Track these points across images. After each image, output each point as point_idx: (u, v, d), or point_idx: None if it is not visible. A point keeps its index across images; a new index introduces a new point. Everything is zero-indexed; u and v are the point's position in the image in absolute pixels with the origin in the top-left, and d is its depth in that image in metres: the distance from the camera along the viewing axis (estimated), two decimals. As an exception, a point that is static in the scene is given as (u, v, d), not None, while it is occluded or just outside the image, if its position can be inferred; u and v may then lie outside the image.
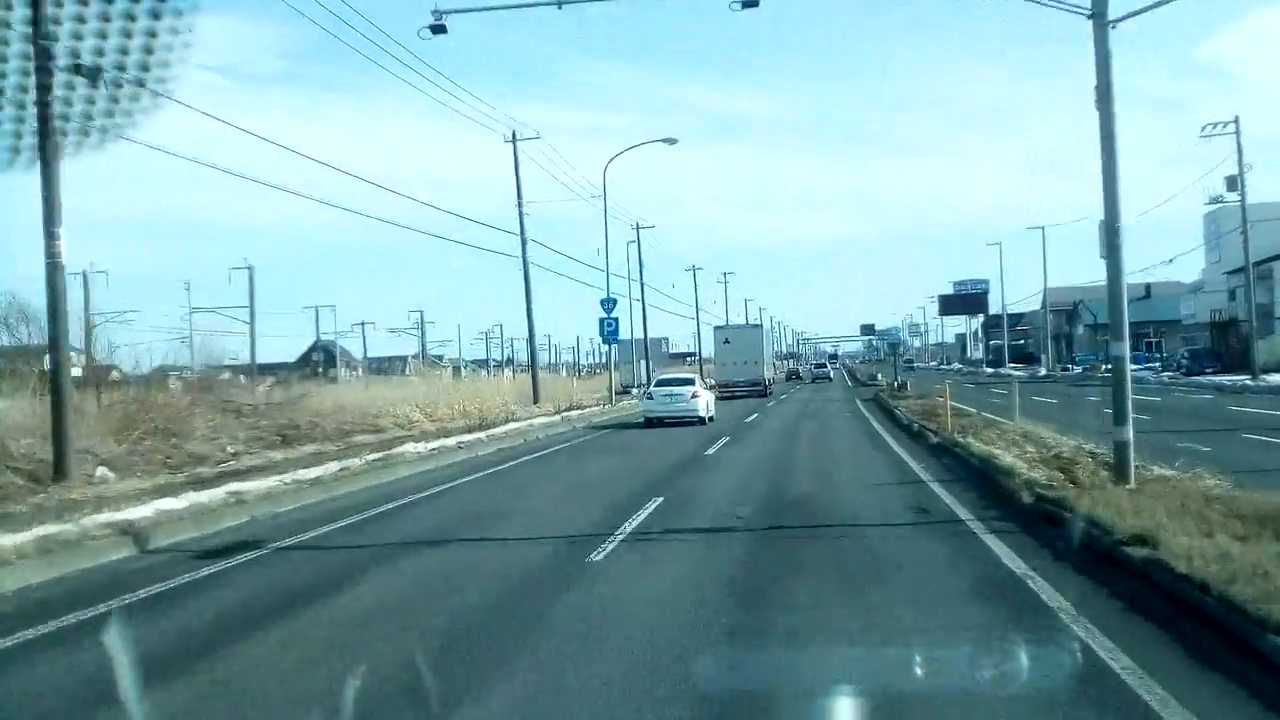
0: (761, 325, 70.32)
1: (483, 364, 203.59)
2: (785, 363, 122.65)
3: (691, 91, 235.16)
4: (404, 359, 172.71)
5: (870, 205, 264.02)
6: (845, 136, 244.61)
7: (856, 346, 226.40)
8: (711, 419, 29.20)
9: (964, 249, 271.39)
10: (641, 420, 30.10)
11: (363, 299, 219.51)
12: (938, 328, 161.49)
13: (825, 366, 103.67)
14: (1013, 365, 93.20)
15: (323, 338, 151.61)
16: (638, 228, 62.88)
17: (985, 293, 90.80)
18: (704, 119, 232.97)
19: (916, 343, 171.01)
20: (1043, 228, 76.25)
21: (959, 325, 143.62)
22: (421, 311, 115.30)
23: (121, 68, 5.23)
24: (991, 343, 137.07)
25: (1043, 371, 68.07)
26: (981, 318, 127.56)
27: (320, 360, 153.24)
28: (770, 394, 53.93)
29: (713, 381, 51.70)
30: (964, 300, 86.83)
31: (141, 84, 5.29)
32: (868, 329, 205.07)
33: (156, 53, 5.11)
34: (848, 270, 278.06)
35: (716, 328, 64.48)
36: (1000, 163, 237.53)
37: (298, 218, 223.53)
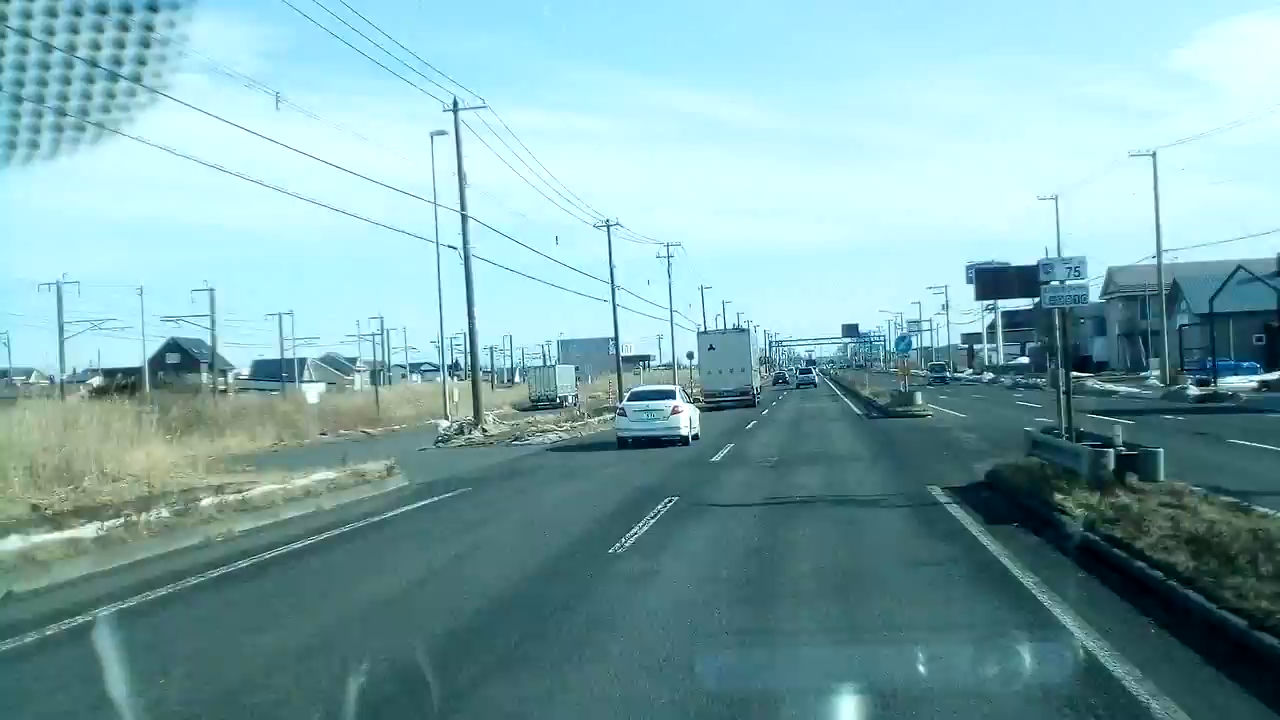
0: (747, 330, 62.62)
1: (436, 370, 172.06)
2: (761, 368, 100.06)
3: (668, 95, 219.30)
4: (301, 362, 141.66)
5: (847, 211, 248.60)
6: (822, 142, 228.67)
7: (830, 351, 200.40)
8: (695, 437, 25.28)
9: (944, 255, 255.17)
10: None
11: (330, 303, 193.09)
12: (924, 327, 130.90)
13: (810, 372, 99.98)
14: (1077, 374, 62.80)
15: (178, 336, 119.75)
16: (454, 109, 31.83)
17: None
18: (680, 123, 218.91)
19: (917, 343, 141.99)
20: (1154, 153, 45.80)
21: (969, 323, 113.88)
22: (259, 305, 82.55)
23: (119, 61, 4.42)
24: (1009, 343, 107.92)
25: (1192, 389, 37.28)
26: (995, 312, 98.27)
27: (179, 363, 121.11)
28: (757, 403, 48.18)
29: (698, 391, 48.89)
30: (1017, 278, 57.65)
31: (138, 79, 4.49)
32: (850, 329, 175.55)
33: (153, 46, 4.36)
34: (822, 274, 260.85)
35: (700, 333, 59.94)
36: (979, 170, 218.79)
37: (267, 219, 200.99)
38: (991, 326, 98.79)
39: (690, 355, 74.65)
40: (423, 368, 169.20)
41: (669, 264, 76.81)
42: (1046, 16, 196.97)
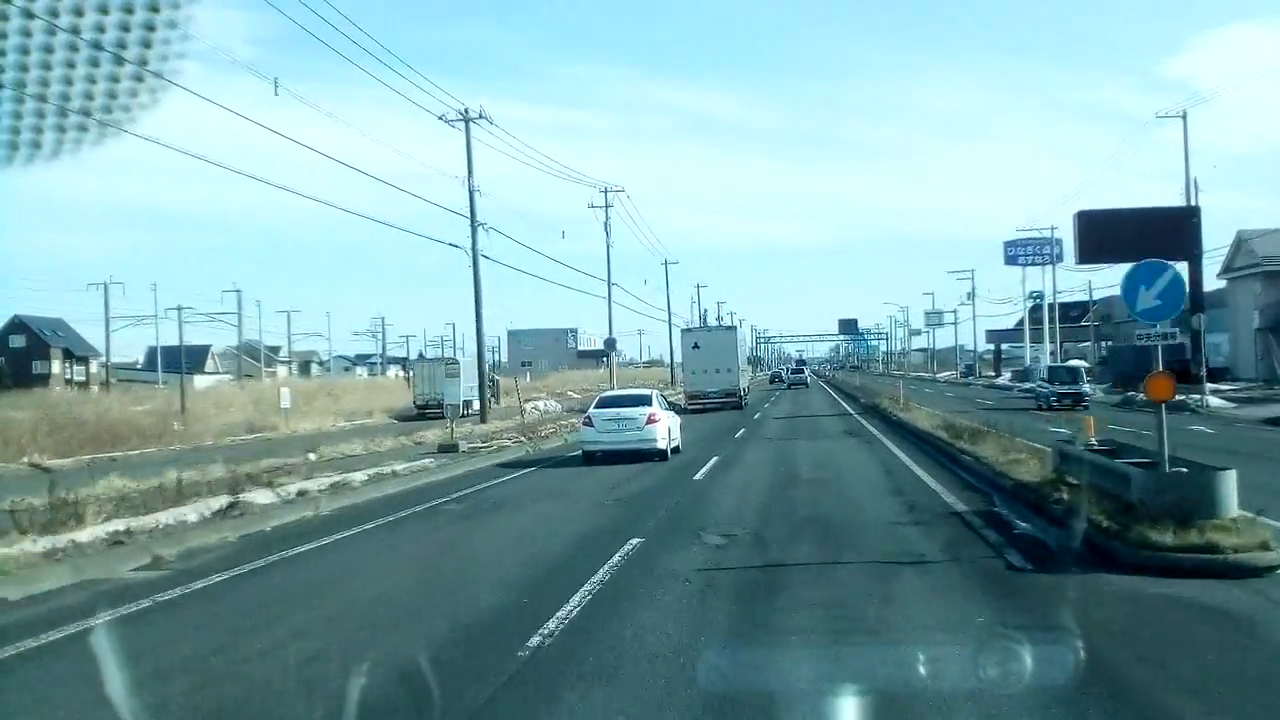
0: (735, 328, 55.96)
1: (361, 362, 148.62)
2: (749, 367, 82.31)
3: (660, 91, 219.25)
4: (204, 350, 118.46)
5: (838, 210, 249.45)
6: (814, 141, 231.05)
7: (821, 350, 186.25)
8: (675, 450, 21.47)
9: (935, 255, 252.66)
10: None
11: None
12: (948, 320, 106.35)
13: (801, 372, 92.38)
14: (1214, 389, 39.29)
15: (20, 314, 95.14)
16: None
17: (1194, 211, 36.40)
18: (672, 118, 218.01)
19: (921, 342, 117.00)
20: None
21: (998, 316, 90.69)
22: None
23: (120, 61, 4.35)
24: (1063, 344, 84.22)
25: None
26: (1042, 300, 74.87)
27: (24, 347, 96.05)
28: (746, 405, 43.59)
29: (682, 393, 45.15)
30: (1156, 228, 33.98)
31: (140, 79, 4.42)
32: (848, 325, 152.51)
33: (154, 46, 4.27)
34: (812, 272, 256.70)
35: (684, 331, 53.56)
36: (968, 171, 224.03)
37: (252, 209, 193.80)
38: (1035, 319, 74.79)
39: (611, 343, 51.36)
40: (371, 360, 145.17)
41: (606, 214, 52.94)
42: (1040, 21, 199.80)
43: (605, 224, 52.62)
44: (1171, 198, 40.84)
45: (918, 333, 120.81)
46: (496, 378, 77.99)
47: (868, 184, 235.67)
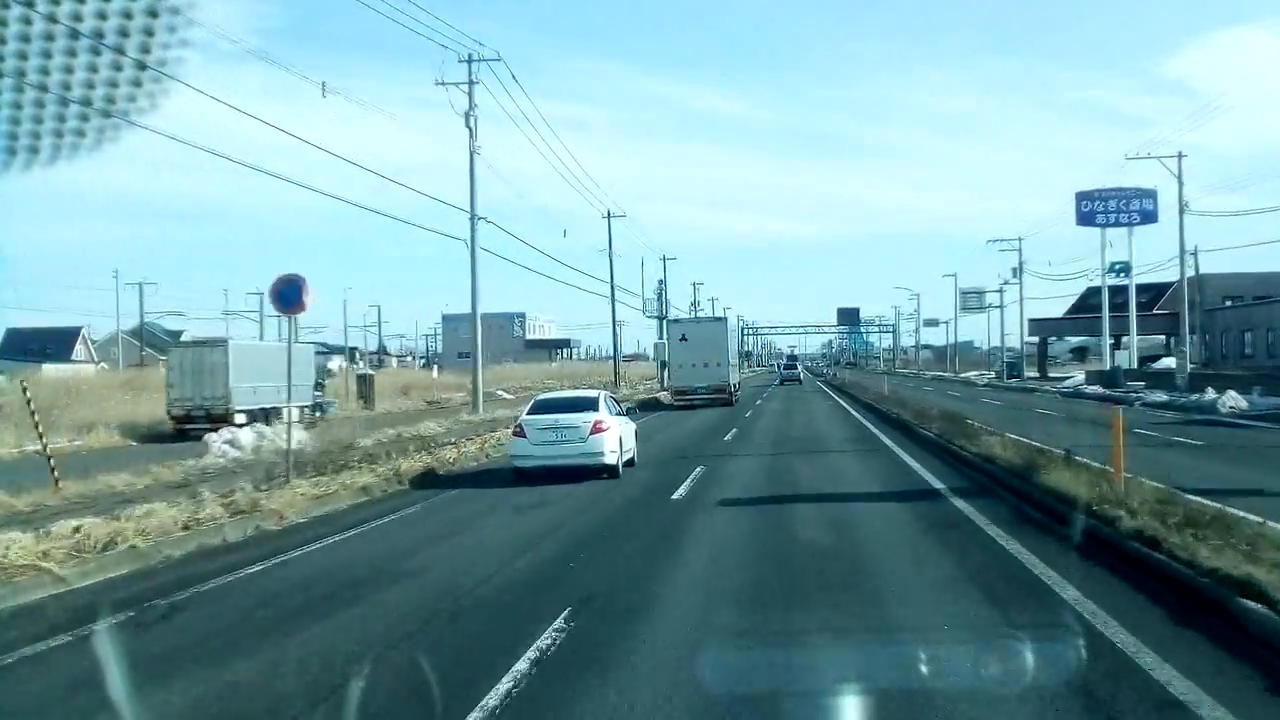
0: (725, 319, 50.07)
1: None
2: (739, 362, 68.03)
3: (661, 87, 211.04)
4: (73, 332, 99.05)
5: (830, 207, 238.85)
6: (811, 139, 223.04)
7: (814, 345, 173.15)
8: (630, 464, 17.85)
9: (930, 255, 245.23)
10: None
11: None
12: (991, 302, 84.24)
13: (794, 367, 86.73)
14: None
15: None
16: None
17: None
18: (673, 114, 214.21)
19: (929, 336, 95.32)
20: None
21: (1046, 299, 69.62)
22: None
23: (121, 50, 4.44)
24: (1083, 337, 62.69)
25: None
26: (1128, 275, 53.68)
27: None
28: (736, 402, 41.65)
29: (672, 384, 42.49)
30: None
31: (142, 67, 4.47)
32: (848, 315, 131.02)
33: (158, 34, 4.35)
34: (809, 269, 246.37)
35: (671, 322, 52.51)
36: (967, 171, 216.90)
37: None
38: (1089, 305, 52.95)
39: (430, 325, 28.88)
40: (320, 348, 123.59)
41: (470, 99, 31.20)
42: (1038, 22, 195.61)
43: (467, 114, 30.62)
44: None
45: (932, 323, 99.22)
46: (369, 373, 56.11)
47: (866, 182, 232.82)
